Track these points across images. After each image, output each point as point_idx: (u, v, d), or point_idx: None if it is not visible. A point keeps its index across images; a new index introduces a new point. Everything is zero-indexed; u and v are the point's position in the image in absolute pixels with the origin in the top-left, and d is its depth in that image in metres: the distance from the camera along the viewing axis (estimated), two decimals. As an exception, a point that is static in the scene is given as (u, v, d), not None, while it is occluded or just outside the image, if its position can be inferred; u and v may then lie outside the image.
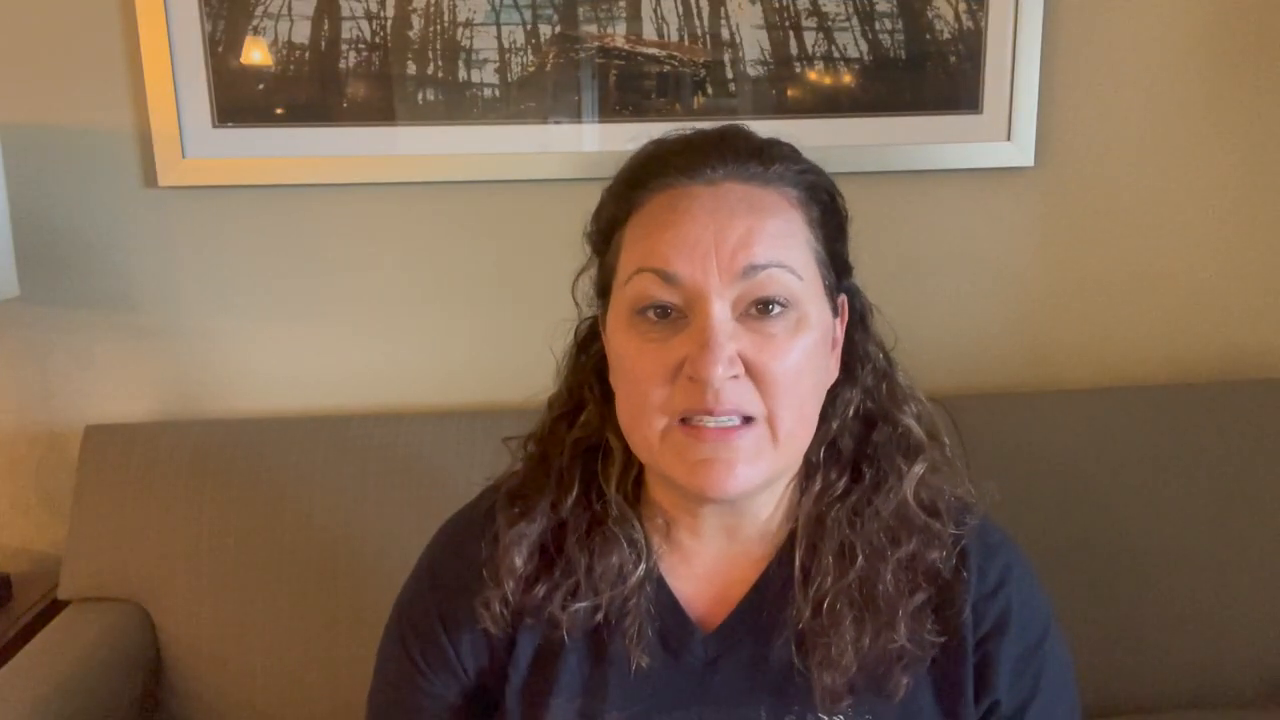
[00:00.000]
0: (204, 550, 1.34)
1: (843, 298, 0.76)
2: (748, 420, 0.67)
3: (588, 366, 0.79)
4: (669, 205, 0.69)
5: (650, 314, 0.68)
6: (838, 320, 0.75)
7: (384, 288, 1.51)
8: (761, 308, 0.67)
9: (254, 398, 1.52)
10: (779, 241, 0.68)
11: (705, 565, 0.77)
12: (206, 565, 1.34)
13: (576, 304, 0.80)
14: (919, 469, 0.75)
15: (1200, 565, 1.35)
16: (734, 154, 0.71)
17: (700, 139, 0.72)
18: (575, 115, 1.45)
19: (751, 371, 0.67)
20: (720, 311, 0.66)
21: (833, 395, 0.75)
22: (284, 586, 1.33)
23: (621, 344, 0.70)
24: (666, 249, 0.67)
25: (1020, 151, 1.49)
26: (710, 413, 0.66)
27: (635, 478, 0.77)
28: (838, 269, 0.75)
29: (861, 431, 0.76)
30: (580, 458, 0.77)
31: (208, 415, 1.51)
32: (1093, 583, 1.33)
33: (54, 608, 1.37)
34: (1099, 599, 1.33)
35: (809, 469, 0.76)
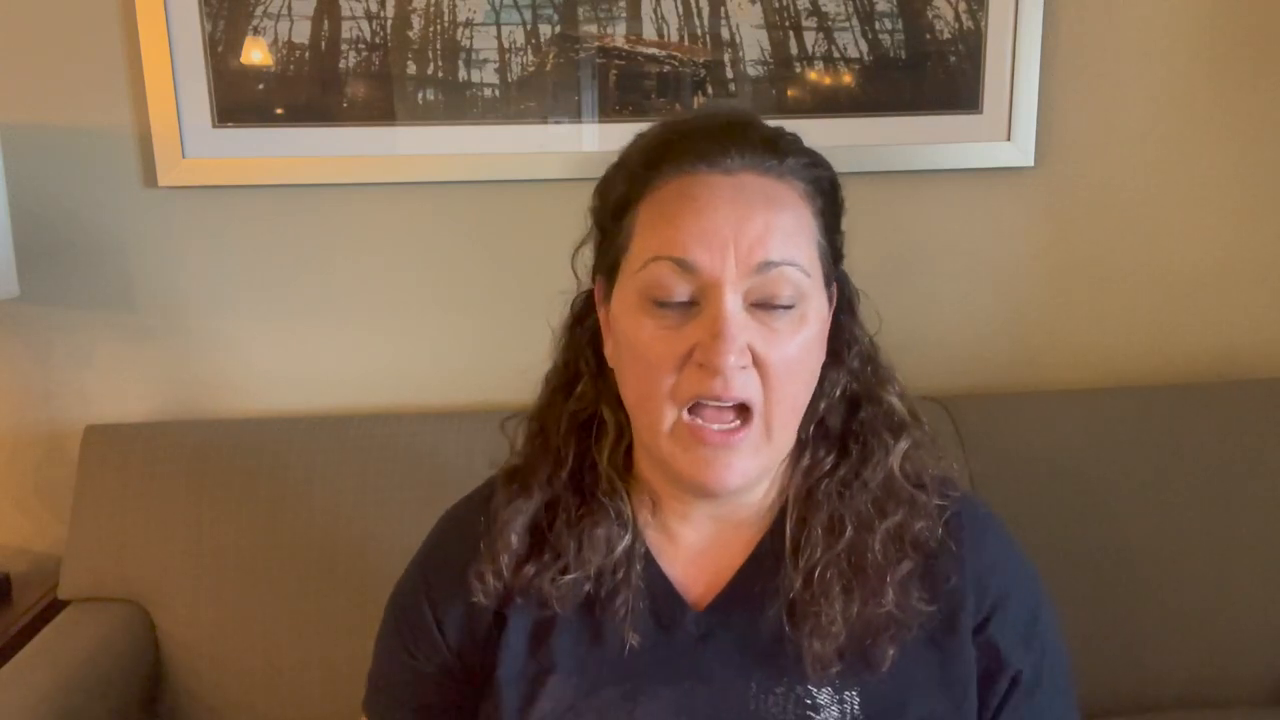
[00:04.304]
0: (204, 550, 1.34)
1: (834, 284, 0.78)
2: (745, 415, 0.70)
3: (583, 339, 0.80)
4: (686, 193, 0.70)
5: (665, 300, 0.70)
6: (830, 307, 0.77)
7: (384, 287, 1.51)
8: (770, 302, 0.69)
9: (254, 398, 1.52)
10: (791, 239, 0.70)
11: (695, 549, 0.79)
12: (206, 565, 1.34)
13: (576, 276, 0.81)
14: (904, 444, 0.78)
15: (1200, 565, 1.35)
16: (749, 144, 0.72)
17: (713, 125, 0.73)
18: (575, 115, 1.46)
19: (757, 362, 0.69)
20: (733, 303, 0.68)
21: (820, 376, 0.77)
22: (284, 586, 1.33)
23: (632, 327, 0.71)
24: (686, 238, 0.69)
25: (1020, 151, 1.49)
26: (718, 399, 0.68)
27: (626, 450, 0.79)
28: (834, 257, 0.77)
29: (848, 411, 0.79)
30: (575, 432, 0.79)
31: (208, 415, 1.51)
32: (1093, 583, 1.33)
33: (54, 608, 1.37)
34: (1099, 599, 1.33)
35: (799, 446, 0.78)
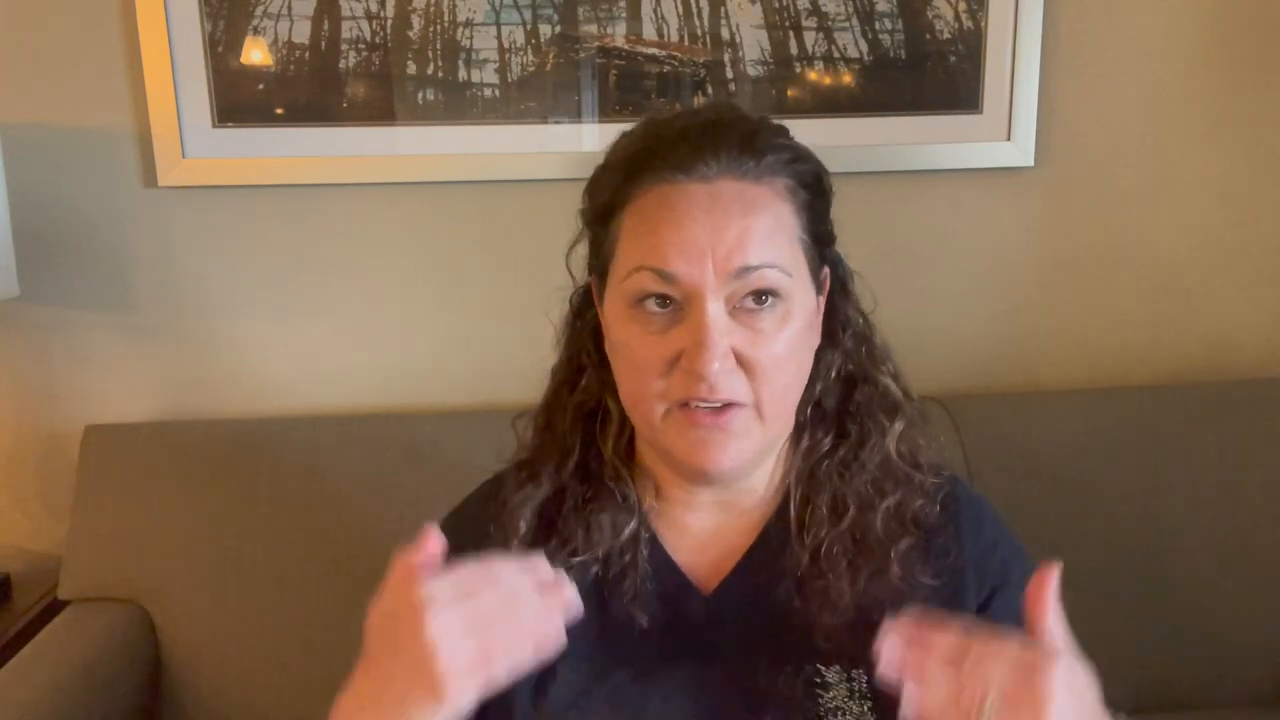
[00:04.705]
0: (204, 550, 1.34)
1: (825, 270, 0.79)
2: (737, 404, 0.71)
3: (584, 333, 0.82)
4: (665, 203, 0.72)
5: (649, 303, 0.72)
6: (821, 295, 0.78)
7: (383, 288, 1.51)
8: (753, 301, 0.71)
9: (254, 397, 1.52)
10: (770, 240, 0.71)
11: (701, 537, 0.80)
12: (206, 565, 1.34)
13: (571, 274, 0.83)
14: (899, 425, 0.80)
15: (1200, 565, 1.35)
16: (727, 147, 0.72)
17: (694, 128, 0.74)
18: (575, 115, 1.46)
19: (742, 362, 0.71)
20: (715, 310, 0.70)
21: (816, 358, 0.79)
22: (284, 586, 1.33)
23: (622, 332, 0.74)
24: (665, 248, 0.70)
25: (1020, 151, 1.49)
26: (706, 400, 0.71)
27: (629, 440, 0.81)
28: (822, 245, 0.78)
29: (844, 392, 0.81)
30: (581, 421, 0.81)
31: (208, 415, 1.51)
32: (1092, 582, 1.33)
33: (54, 608, 1.37)
34: (1099, 598, 1.33)
35: (797, 429, 0.80)
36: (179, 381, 1.52)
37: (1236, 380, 1.54)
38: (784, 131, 0.77)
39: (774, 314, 0.72)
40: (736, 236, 0.70)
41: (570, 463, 0.80)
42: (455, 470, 1.31)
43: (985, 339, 1.57)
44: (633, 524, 0.78)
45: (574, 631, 0.76)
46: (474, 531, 0.80)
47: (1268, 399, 1.44)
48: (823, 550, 0.76)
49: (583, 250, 0.81)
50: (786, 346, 0.72)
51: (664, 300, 0.71)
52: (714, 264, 0.70)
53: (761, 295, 0.71)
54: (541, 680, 0.76)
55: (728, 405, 0.71)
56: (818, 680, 0.74)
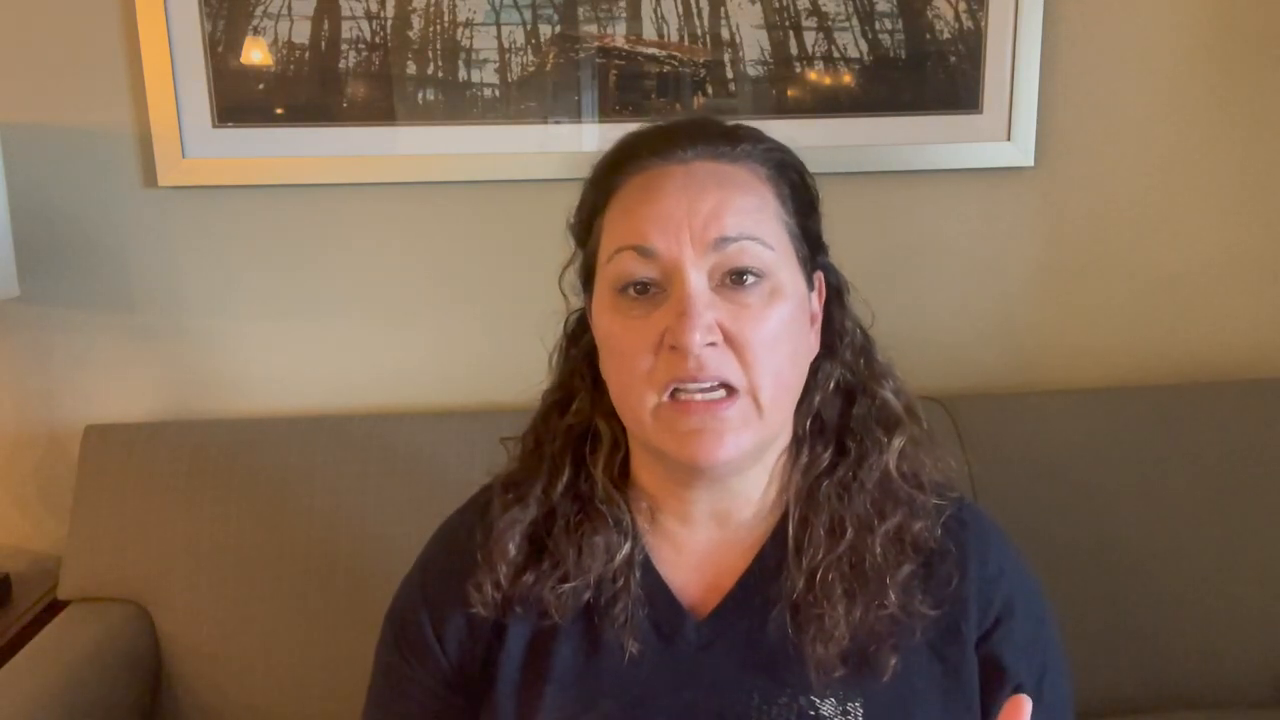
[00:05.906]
0: (204, 550, 1.34)
1: (819, 274, 0.78)
2: (730, 391, 0.69)
3: (578, 357, 0.81)
4: (643, 186, 0.72)
5: (631, 291, 0.71)
6: (814, 294, 0.77)
7: (383, 288, 1.51)
8: (736, 278, 0.70)
9: (254, 398, 1.52)
10: (748, 215, 0.71)
11: (696, 555, 0.78)
12: (206, 565, 1.34)
13: (564, 296, 0.82)
14: (899, 442, 0.77)
15: (1200, 565, 1.35)
16: (703, 136, 0.74)
17: (671, 125, 0.75)
18: (575, 115, 1.46)
19: (730, 340, 0.69)
20: (696, 281, 0.69)
21: (814, 369, 0.77)
22: (284, 586, 1.33)
23: (607, 324, 0.72)
24: (643, 225, 0.70)
25: (1020, 151, 1.49)
26: (694, 380, 0.68)
27: (622, 462, 0.79)
28: (810, 244, 0.77)
29: (842, 405, 0.79)
30: (571, 444, 0.79)
31: (208, 415, 1.51)
32: (1093, 583, 1.33)
33: (54, 608, 1.37)
34: (1099, 599, 1.33)
35: (796, 443, 0.78)
36: (179, 381, 1.52)
37: (1236, 380, 1.54)
38: (761, 132, 0.77)
39: (759, 290, 0.70)
40: (713, 208, 0.69)
41: (559, 484, 0.78)
42: (455, 471, 1.31)
43: (985, 339, 1.57)
44: (626, 547, 0.76)
45: (562, 657, 0.75)
46: (462, 559, 0.78)
47: (1268, 399, 1.44)
48: (818, 576, 0.73)
49: (572, 276, 0.80)
50: (777, 324, 0.70)
51: (645, 286, 0.70)
52: (691, 235, 0.69)
53: (743, 273, 0.69)
54: (527, 707, 0.74)
55: (723, 391, 0.69)
56: (813, 714, 0.72)
